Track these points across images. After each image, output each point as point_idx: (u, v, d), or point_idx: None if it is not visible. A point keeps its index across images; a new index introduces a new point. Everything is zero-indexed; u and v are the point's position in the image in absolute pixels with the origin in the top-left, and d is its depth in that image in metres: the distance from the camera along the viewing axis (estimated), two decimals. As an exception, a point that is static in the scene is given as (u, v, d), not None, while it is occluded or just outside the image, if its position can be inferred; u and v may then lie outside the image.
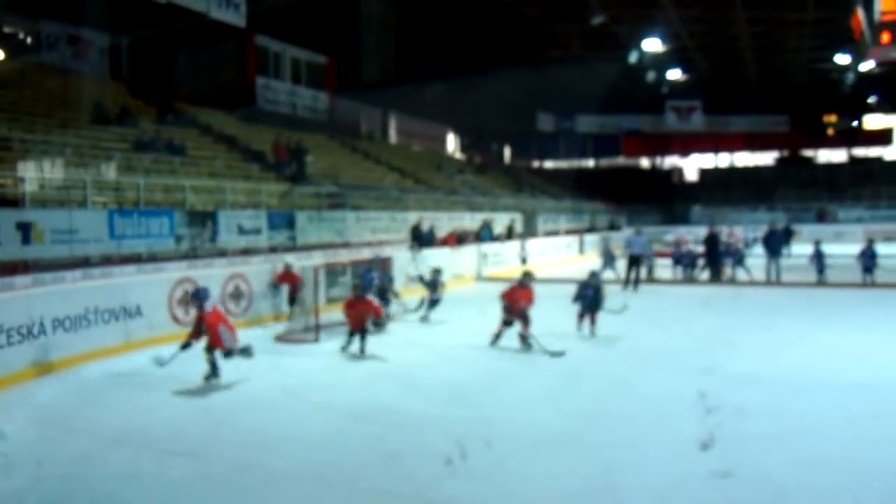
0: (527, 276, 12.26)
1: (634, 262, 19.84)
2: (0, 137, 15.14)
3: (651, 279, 21.43)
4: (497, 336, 11.90)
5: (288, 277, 14.23)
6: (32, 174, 13.67)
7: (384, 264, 15.43)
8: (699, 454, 6.74)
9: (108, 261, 12.73)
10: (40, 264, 11.61)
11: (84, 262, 12.34)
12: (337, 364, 10.76)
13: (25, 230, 11.76)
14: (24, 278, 10.78)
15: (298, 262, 14.92)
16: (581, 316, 12.65)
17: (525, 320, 11.68)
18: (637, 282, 19.68)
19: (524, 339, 11.61)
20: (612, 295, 13.22)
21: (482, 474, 6.41)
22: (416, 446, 7.22)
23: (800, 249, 21.92)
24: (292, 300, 14.22)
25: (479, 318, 14.45)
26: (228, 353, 9.61)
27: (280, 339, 12.84)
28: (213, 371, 9.64)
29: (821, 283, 19.90)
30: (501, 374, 10.32)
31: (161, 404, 8.76)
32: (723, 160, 57.05)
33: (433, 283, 14.78)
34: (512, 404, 8.71)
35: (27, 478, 6.44)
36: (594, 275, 13.04)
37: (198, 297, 9.83)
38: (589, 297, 12.57)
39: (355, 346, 11.38)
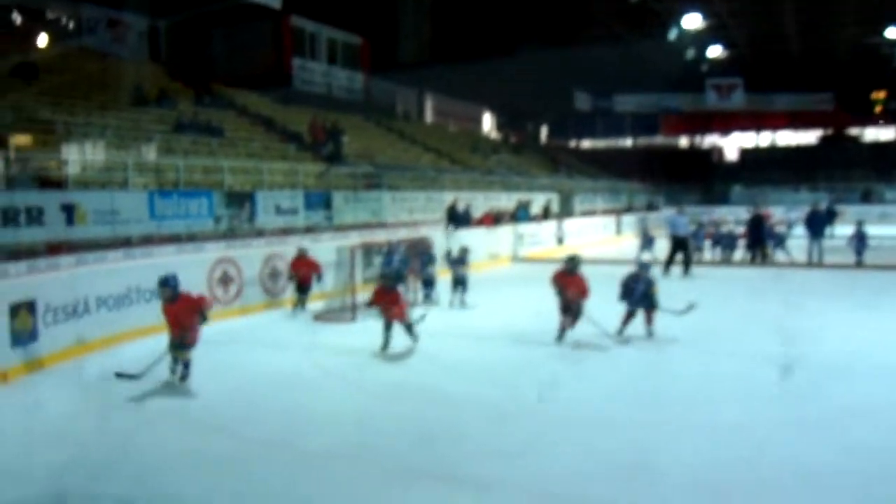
0: (572, 262, 11.01)
1: (679, 245, 18.82)
2: (43, 121, 15.43)
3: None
4: (562, 332, 10.72)
5: (302, 264, 13.63)
6: (75, 157, 13.92)
7: (416, 245, 15.38)
8: (736, 436, 6.71)
9: (148, 241, 12.94)
10: (83, 245, 11.83)
11: (125, 243, 12.56)
12: (373, 344, 10.85)
13: (69, 211, 11.99)
14: (69, 258, 11.00)
15: (334, 244, 15.00)
16: (629, 315, 10.94)
17: (571, 312, 10.60)
18: (687, 264, 18.60)
19: (562, 330, 10.65)
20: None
21: (516, 454, 6.44)
22: (450, 426, 7.28)
23: (845, 231, 21.40)
24: (301, 287, 13.61)
25: (515, 300, 14.50)
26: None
27: (318, 318, 12.97)
28: (185, 371, 8.75)
29: (859, 265, 19.44)
30: (536, 355, 10.30)
31: (200, 382, 8.90)
32: (764, 139, 55.87)
33: (460, 261, 14.39)
34: (546, 385, 8.71)
35: (73, 451, 6.62)
36: (645, 267, 11.40)
37: (169, 284, 8.96)
38: (639, 294, 10.94)
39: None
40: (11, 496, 5.33)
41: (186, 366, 8.68)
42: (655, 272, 12.55)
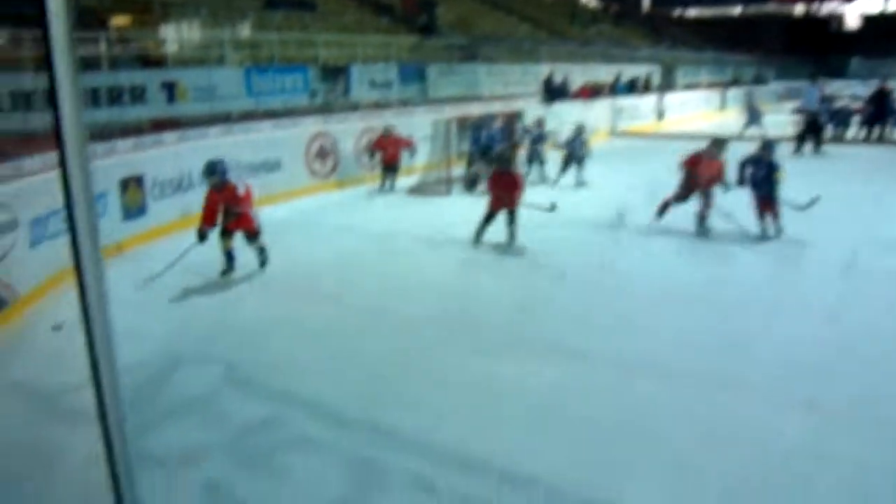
0: (717, 145, 9.90)
1: (811, 120, 17.52)
2: (141, 1, 15.52)
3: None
4: (664, 207, 10.09)
5: (388, 143, 13.39)
6: (173, 35, 14.02)
7: (507, 119, 14.99)
8: (833, 319, 6.46)
9: (246, 117, 13.06)
10: (185, 121, 12.04)
11: (225, 119, 12.72)
12: (471, 216, 10.81)
13: (170, 89, 12.14)
14: (172, 134, 11.23)
15: (428, 118, 14.82)
16: (762, 204, 9.44)
17: (708, 198, 9.74)
18: (819, 144, 17.47)
19: (703, 219, 9.78)
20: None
21: (612, 328, 6.38)
22: (544, 299, 7.26)
23: None
24: (389, 167, 13.44)
25: (614, 176, 14.13)
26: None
27: (413, 192, 13.00)
28: (231, 264, 8.27)
29: None
30: (631, 232, 10.07)
31: (300, 252, 9.13)
32: (892, 4, 51.34)
33: (574, 142, 13.71)
34: (641, 262, 8.55)
35: (186, 315, 6.96)
36: (768, 147, 9.67)
37: (215, 170, 8.16)
38: (759, 180, 9.46)
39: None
40: (133, 356, 5.65)
41: (262, 251, 8.30)
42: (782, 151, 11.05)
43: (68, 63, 1.69)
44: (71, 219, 1.77)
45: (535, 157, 14.18)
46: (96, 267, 1.82)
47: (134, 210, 9.74)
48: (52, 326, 6.33)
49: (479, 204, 10.02)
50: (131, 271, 8.01)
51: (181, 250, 8.04)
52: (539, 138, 14.24)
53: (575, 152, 13.65)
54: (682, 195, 9.93)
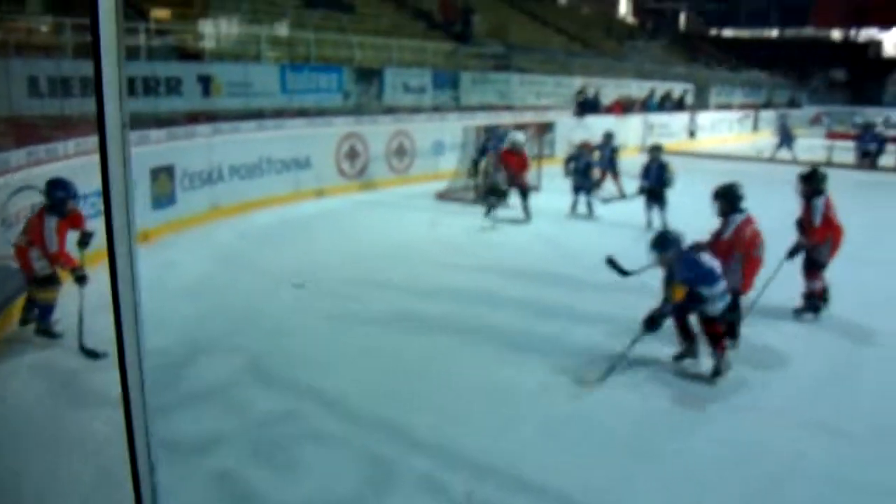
0: None
1: None
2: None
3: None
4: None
5: (511, 159, 11.47)
6: (211, 30, 14.18)
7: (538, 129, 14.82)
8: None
9: (279, 114, 13.18)
10: (218, 115, 12.18)
11: (258, 115, 12.85)
12: (496, 224, 10.84)
13: (205, 83, 12.30)
14: (205, 127, 11.36)
15: (460, 124, 14.83)
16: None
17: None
18: None
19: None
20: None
21: (629, 334, 6.36)
22: (569, 307, 7.25)
23: None
24: (520, 189, 11.42)
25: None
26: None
27: (440, 196, 13.04)
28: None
29: None
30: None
31: (325, 250, 9.20)
32: (931, 33, 50.84)
33: (608, 150, 13.09)
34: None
35: (210, 305, 7.03)
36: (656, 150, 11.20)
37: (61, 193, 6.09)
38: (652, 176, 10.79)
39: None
40: (154, 342, 5.71)
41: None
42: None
43: (115, 56, 1.73)
44: (107, 207, 1.81)
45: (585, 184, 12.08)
46: (129, 254, 1.86)
47: (163, 199, 9.86)
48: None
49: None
50: (158, 259, 8.11)
51: (210, 241, 8.11)
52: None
53: (610, 165, 13.25)
54: None
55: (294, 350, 6.01)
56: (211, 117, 11.80)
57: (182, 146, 10.54)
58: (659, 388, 5.44)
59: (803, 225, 6.88)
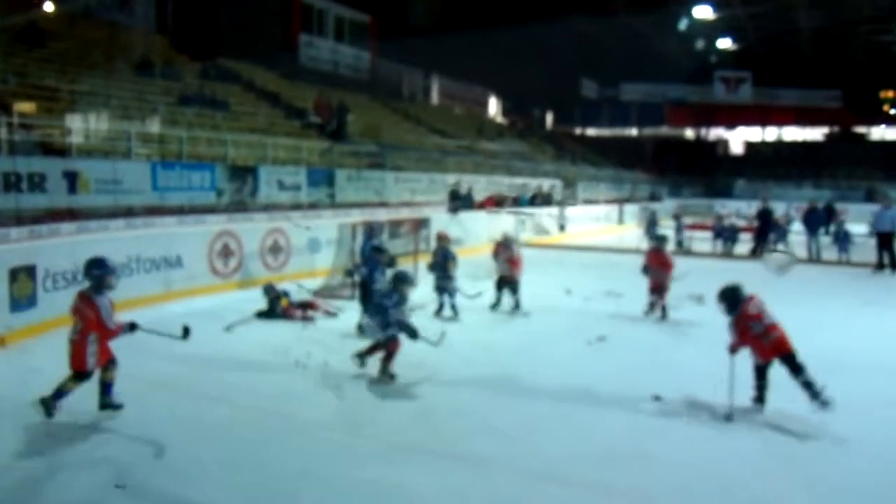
0: (662, 242, 12.02)
1: (885, 240, 17.72)
2: (48, 88, 15.36)
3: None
4: (651, 307, 11.57)
5: (508, 258, 11.85)
6: (79, 125, 13.86)
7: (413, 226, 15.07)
8: (727, 428, 6.71)
9: (150, 211, 12.91)
10: (85, 213, 11.81)
11: (127, 213, 12.54)
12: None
13: (72, 179, 11.97)
14: (70, 225, 10.98)
15: (335, 221, 14.88)
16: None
17: (661, 290, 11.38)
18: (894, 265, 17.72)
19: (664, 309, 11.39)
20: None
21: (511, 433, 6.45)
22: (447, 403, 7.29)
23: (855, 229, 21.00)
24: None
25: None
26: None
27: (317, 294, 12.96)
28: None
29: (841, 262, 19.41)
30: (534, 337, 10.31)
31: (196, 353, 8.90)
32: (770, 134, 55.72)
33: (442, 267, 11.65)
34: (542, 367, 8.71)
35: (71, 416, 6.62)
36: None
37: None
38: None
39: None
40: (4, 459, 5.35)
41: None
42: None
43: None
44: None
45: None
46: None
47: (23, 301, 9.35)
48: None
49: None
50: (16, 367, 7.65)
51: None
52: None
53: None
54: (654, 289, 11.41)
55: (164, 460, 5.73)
56: (77, 215, 11.43)
57: (45, 245, 10.10)
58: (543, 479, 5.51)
59: None
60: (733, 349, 7.25)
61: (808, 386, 6.86)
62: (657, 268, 11.42)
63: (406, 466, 5.71)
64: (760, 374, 7.23)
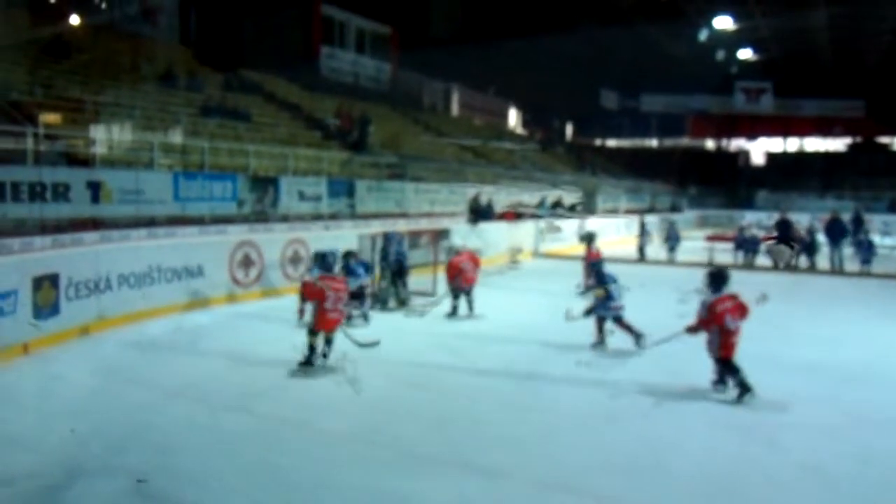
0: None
1: None
2: (73, 99, 15.54)
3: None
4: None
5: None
6: (102, 136, 14.01)
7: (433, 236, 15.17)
8: (745, 439, 6.65)
9: (172, 222, 13.00)
10: (108, 223, 11.92)
11: (149, 222, 12.64)
12: (393, 331, 10.84)
13: (95, 189, 12.08)
14: (93, 234, 11.08)
15: (355, 232, 14.93)
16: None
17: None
18: None
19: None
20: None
21: (528, 444, 6.44)
22: (464, 414, 7.28)
23: (879, 240, 20.80)
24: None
25: (535, 294, 14.45)
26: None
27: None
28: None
29: (863, 273, 19.28)
30: (552, 348, 10.27)
31: (217, 362, 8.97)
32: (792, 145, 55.22)
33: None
34: (560, 379, 8.68)
35: (92, 424, 6.69)
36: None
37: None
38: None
39: None
40: (20, 466, 5.39)
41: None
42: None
43: None
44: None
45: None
46: None
47: (46, 309, 9.46)
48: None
49: (395, 319, 10.02)
50: (39, 374, 7.74)
51: (95, 353, 7.81)
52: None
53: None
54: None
55: (182, 468, 5.76)
56: (100, 224, 11.54)
57: (68, 254, 10.21)
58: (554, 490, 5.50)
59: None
60: (694, 329, 7.44)
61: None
62: None
63: (423, 477, 5.72)
64: (731, 369, 7.73)
